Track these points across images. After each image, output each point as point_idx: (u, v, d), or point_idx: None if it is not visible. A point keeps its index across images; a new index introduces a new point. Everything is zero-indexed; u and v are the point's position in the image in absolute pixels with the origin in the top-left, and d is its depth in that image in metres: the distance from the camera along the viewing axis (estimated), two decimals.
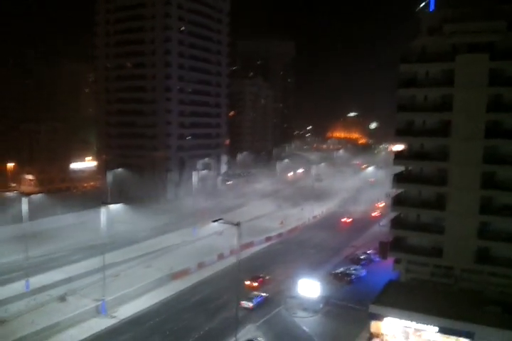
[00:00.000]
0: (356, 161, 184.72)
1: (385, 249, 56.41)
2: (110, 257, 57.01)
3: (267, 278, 56.65)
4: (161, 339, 42.79)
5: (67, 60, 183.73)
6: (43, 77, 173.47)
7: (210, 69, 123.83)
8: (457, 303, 42.06)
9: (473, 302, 42.21)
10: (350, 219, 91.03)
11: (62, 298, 50.34)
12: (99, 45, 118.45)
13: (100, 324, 45.30)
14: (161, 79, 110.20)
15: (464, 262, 47.63)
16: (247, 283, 54.19)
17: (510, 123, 46.94)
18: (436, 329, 38.72)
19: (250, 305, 48.38)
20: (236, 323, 40.15)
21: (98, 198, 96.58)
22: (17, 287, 52.53)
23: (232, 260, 58.40)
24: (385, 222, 75.60)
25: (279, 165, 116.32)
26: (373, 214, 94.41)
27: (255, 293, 51.17)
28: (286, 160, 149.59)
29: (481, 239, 47.15)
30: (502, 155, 46.98)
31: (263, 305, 49.39)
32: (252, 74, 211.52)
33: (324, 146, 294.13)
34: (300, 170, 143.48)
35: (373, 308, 41.52)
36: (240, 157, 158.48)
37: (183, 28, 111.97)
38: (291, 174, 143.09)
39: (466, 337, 38.10)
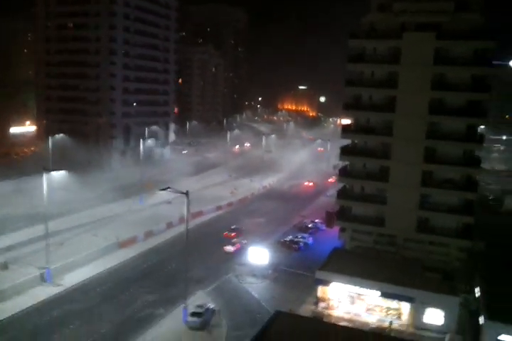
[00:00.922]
0: (306, 134, 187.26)
1: (331, 218, 58.58)
2: (54, 225, 55.32)
3: (243, 229, 64.68)
4: (108, 307, 42.56)
5: (2, 16, 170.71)
6: None
7: (158, 34, 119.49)
8: (399, 270, 44.52)
9: (414, 269, 44.86)
10: (312, 183, 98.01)
11: (3, 266, 48.58)
12: (39, 3, 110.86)
13: (46, 292, 44.42)
14: (105, 41, 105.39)
15: (406, 231, 50.30)
16: (226, 233, 62.47)
17: (452, 101, 49.07)
18: (379, 293, 40.95)
19: (232, 249, 56.88)
20: (186, 290, 40.60)
21: (39, 164, 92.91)
22: None
23: (181, 229, 58.23)
24: (331, 192, 78.04)
25: (229, 136, 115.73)
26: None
27: (236, 240, 59.45)
28: (237, 131, 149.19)
29: (422, 210, 49.82)
30: (444, 132, 49.18)
31: (242, 250, 56.02)
32: (201, 41, 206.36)
33: (275, 118, 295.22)
34: (248, 144, 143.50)
35: (319, 274, 43.21)
36: (189, 126, 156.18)
37: None
38: (242, 145, 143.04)
39: (406, 301, 40.59)
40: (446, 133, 48.99)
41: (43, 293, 44.25)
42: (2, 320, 39.16)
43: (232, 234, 62.13)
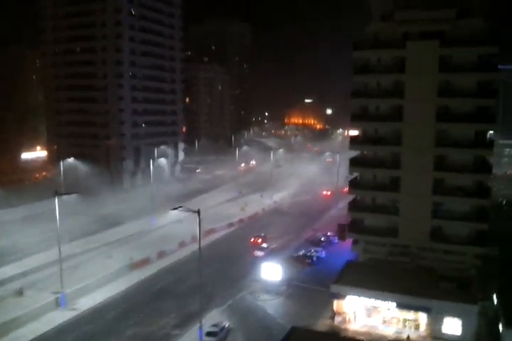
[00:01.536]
0: (313, 146, 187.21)
1: (343, 230, 57.97)
2: (68, 249, 55.81)
3: (268, 236, 67.85)
4: (124, 329, 42.36)
5: (12, 44, 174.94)
6: None
7: (163, 54, 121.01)
8: (414, 280, 43.89)
9: (430, 278, 44.12)
10: (330, 192, 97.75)
11: (19, 292, 48.76)
12: (46, 29, 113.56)
13: (60, 317, 44.37)
14: (111, 64, 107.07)
15: (419, 241, 49.64)
16: (252, 240, 66.47)
17: (459, 108, 48.78)
18: (395, 305, 40.31)
19: (261, 253, 60.35)
20: (200, 309, 40.31)
21: (51, 189, 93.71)
22: None
23: (193, 247, 58.18)
24: (342, 204, 77.51)
25: (237, 152, 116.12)
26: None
27: (264, 245, 63.38)
28: (245, 147, 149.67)
29: (435, 219, 49.20)
30: (452, 139, 48.83)
31: (271, 254, 60.22)
32: (207, 59, 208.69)
33: (282, 132, 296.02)
34: (253, 162, 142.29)
35: (334, 288, 42.72)
36: (197, 144, 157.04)
37: (133, 12, 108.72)
38: (248, 163, 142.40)
39: (423, 311, 39.96)
40: (456, 140, 48.61)
41: (58, 317, 44.21)
42: None
43: (259, 241, 65.96)
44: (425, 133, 49.19)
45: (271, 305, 47.13)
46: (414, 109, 49.59)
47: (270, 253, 60.98)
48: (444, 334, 39.23)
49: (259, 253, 60.90)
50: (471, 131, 48.51)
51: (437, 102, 48.78)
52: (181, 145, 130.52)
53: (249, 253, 61.50)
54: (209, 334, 39.46)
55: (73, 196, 63.74)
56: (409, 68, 49.60)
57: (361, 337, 38.35)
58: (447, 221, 48.98)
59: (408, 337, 39.20)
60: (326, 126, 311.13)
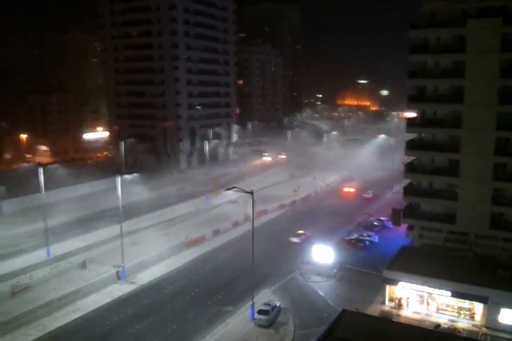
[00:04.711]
0: (368, 129, 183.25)
1: (398, 215, 56.84)
2: (127, 225, 58.22)
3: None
4: (179, 304, 44.20)
5: (75, 29, 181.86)
6: (51, 47, 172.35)
7: (217, 37, 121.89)
8: (470, 268, 42.68)
9: (487, 267, 42.81)
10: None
11: (82, 265, 51.91)
12: (103, 14, 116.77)
13: (121, 289, 46.95)
14: (167, 47, 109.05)
15: (478, 228, 48.01)
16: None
17: None
18: (450, 293, 39.51)
19: (297, 240, 60.25)
20: (253, 288, 41.35)
21: (112, 168, 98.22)
22: (39, 255, 54.25)
23: (246, 227, 59.54)
24: (398, 188, 76.02)
25: (290, 134, 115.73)
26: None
27: (300, 231, 62.00)
28: (297, 129, 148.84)
29: (495, 205, 47.31)
30: None
31: (307, 241, 58.84)
32: (260, 41, 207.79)
33: (335, 114, 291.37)
34: (283, 156, 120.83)
35: (387, 273, 42.34)
36: (251, 126, 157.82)
37: None
38: (277, 155, 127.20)
39: (479, 301, 38.86)
40: None
41: (118, 290, 46.78)
42: (83, 316, 41.81)
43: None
44: (487, 115, 46.93)
45: (322, 287, 47.52)
46: (475, 90, 47.32)
47: (306, 240, 59.28)
48: (500, 324, 38.08)
49: (295, 240, 60.57)
50: None
51: (500, 83, 46.32)
52: (235, 127, 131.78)
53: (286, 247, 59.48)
54: (261, 312, 40.46)
55: (133, 175, 66.49)
56: (470, 47, 47.27)
57: (413, 324, 37.95)
58: (508, 208, 46.99)
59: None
60: (381, 108, 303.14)
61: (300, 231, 62.35)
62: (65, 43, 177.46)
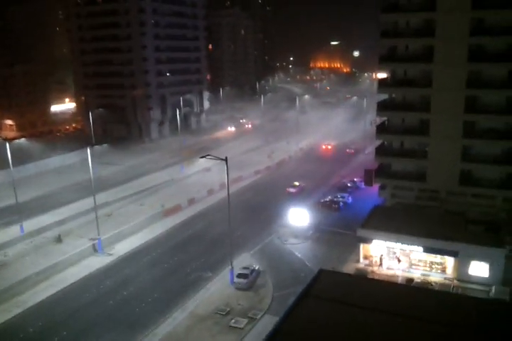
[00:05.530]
0: (340, 91, 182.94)
1: (370, 176, 57.66)
2: (101, 197, 57.73)
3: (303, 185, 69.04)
4: (158, 273, 44.49)
5: None
6: (12, 16, 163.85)
7: (185, 0, 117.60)
8: (442, 224, 43.86)
9: (457, 223, 44.02)
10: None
11: (58, 239, 51.40)
12: None
13: (99, 261, 46.81)
14: (134, 13, 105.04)
15: (448, 185, 49.22)
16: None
17: (493, 47, 46.50)
18: (422, 249, 40.76)
19: (293, 190, 65.74)
20: (230, 253, 41.82)
21: (82, 140, 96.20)
22: (12, 231, 53.38)
23: (222, 195, 59.60)
24: (369, 150, 76.87)
25: (263, 99, 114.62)
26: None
27: (296, 183, 67.74)
28: (270, 94, 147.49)
29: (465, 162, 48.39)
30: (485, 80, 46.90)
31: (301, 192, 65.84)
32: (228, 3, 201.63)
33: (308, 77, 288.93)
34: (249, 125, 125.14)
35: (361, 232, 43.29)
36: (222, 92, 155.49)
37: None
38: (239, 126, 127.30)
39: (450, 255, 40.22)
40: (488, 80, 46.64)
41: (96, 262, 46.62)
42: (62, 290, 41.70)
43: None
44: (457, 73, 47.28)
45: (299, 249, 48.44)
46: (445, 49, 47.42)
47: (302, 191, 65.99)
48: (471, 276, 39.64)
49: (291, 190, 65.58)
50: (504, 70, 46.36)
51: (469, 41, 46.39)
52: (206, 94, 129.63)
53: (276, 200, 62.44)
54: (240, 276, 41.14)
55: (104, 146, 65.16)
56: (440, 5, 46.94)
57: (388, 280, 39.23)
58: (477, 164, 48.15)
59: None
60: (353, 70, 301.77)
61: (294, 183, 67.78)
62: (27, 12, 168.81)
